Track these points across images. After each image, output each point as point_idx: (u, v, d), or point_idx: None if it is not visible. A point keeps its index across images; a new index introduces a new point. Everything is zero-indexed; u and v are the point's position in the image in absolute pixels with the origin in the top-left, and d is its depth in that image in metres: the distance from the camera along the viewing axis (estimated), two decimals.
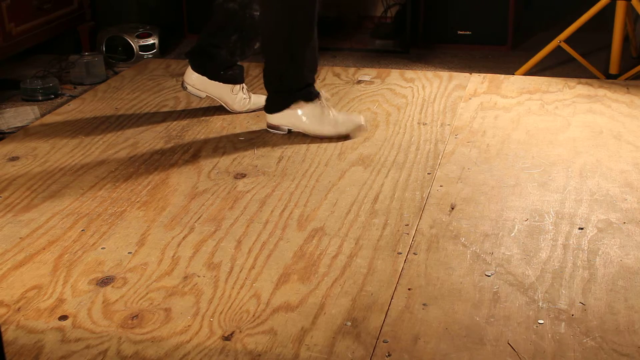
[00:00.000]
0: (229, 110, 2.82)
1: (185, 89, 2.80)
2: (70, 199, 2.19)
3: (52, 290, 1.76)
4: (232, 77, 2.77)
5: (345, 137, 2.59)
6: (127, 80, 3.26)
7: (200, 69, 2.75)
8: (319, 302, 1.70)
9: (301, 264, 1.85)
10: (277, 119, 2.61)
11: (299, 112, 2.58)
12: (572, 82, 3.15)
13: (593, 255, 1.87)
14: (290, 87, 2.57)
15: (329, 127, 2.58)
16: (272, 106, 2.62)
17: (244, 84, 2.82)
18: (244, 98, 2.82)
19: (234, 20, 2.67)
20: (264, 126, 2.69)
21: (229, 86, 2.78)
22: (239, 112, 2.82)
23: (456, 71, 3.43)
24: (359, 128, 2.62)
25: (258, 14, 2.63)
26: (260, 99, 2.81)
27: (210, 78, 2.76)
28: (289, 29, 2.50)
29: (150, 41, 3.73)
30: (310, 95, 2.57)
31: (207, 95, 2.79)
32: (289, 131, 2.62)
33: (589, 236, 1.96)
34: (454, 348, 1.55)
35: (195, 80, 2.77)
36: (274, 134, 2.64)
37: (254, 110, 2.83)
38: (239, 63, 2.78)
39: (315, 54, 2.57)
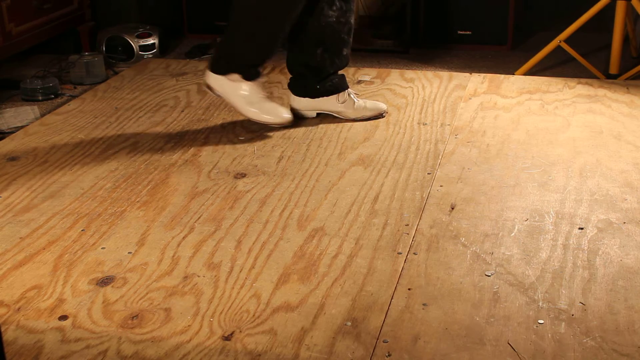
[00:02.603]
0: (345, 119, 2.76)
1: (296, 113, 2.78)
2: (70, 199, 2.19)
3: (52, 290, 1.76)
4: (332, 87, 2.72)
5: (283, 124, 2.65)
6: (127, 80, 3.26)
7: (300, 92, 2.74)
8: (319, 302, 1.70)
9: (301, 264, 1.85)
10: (214, 80, 2.63)
11: (235, 86, 2.60)
12: (572, 82, 3.15)
13: (593, 255, 1.87)
14: (235, 61, 2.60)
15: (253, 110, 2.61)
16: (214, 65, 2.64)
17: (349, 90, 2.76)
18: (357, 104, 2.74)
19: (311, 34, 2.63)
20: (264, 126, 2.70)
21: (333, 97, 2.73)
22: (357, 120, 2.74)
23: (456, 71, 3.43)
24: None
25: (334, 20, 2.61)
26: (377, 105, 2.78)
27: (312, 96, 2.73)
28: (262, 14, 2.52)
29: (150, 41, 3.73)
30: (249, 75, 2.60)
31: (316, 114, 2.77)
32: (219, 96, 2.65)
33: (589, 236, 1.96)
34: (454, 348, 1.55)
35: (301, 104, 2.75)
36: (273, 134, 2.64)
37: (370, 118, 2.75)
38: (339, 72, 2.74)
39: (275, 44, 2.59)
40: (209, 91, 2.67)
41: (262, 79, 2.64)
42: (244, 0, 2.55)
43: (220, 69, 2.61)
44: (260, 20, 2.54)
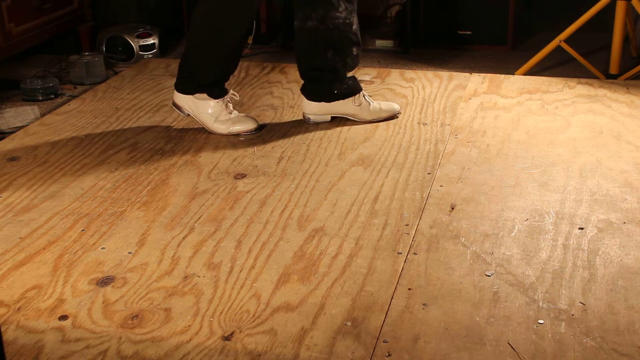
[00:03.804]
0: (360, 122, 2.73)
1: (308, 120, 2.74)
2: (70, 199, 2.19)
3: (52, 290, 1.76)
4: (347, 90, 2.70)
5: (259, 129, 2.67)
6: (127, 80, 3.26)
7: (315, 97, 2.71)
8: (319, 302, 1.70)
9: (301, 264, 1.85)
10: (181, 99, 2.66)
11: (203, 104, 2.62)
12: (572, 82, 3.15)
13: (593, 255, 1.87)
14: (198, 80, 2.62)
15: (222, 127, 2.63)
16: (180, 85, 2.66)
17: (363, 92, 2.74)
18: (372, 106, 2.73)
19: (320, 37, 2.61)
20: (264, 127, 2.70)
21: (349, 100, 2.70)
22: (372, 122, 2.73)
23: (456, 71, 3.43)
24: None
25: (341, 21, 2.58)
26: (391, 106, 2.77)
27: (328, 100, 2.70)
28: (214, 32, 2.54)
29: (150, 41, 3.73)
30: (214, 93, 2.62)
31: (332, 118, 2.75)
32: (188, 115, 2.67)
33: (589, 236, 1.96)
34: (454, 348, 1.55)
35: (315, 109, 2.72)
36: (273, 134, 2.65)
37: (386, 119, 2.74)
38: (348, 74, 2.72)
39: (234, 59, 2.63)
40: (177, 110, 2.69)
41: (228, 96, 2.65)
42: (197, 21, 2.57)
43: (186, 89, 2.64)
44: (214, 38, 2.55)
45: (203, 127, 2.68)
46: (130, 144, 2.59)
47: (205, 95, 2.62)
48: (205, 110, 2.63)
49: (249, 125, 2.65)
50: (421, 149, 2.51)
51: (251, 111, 2.87)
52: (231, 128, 2.63)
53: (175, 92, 2.67)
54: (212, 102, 2.62)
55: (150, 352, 1.55)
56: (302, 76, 2.73)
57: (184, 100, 2.65)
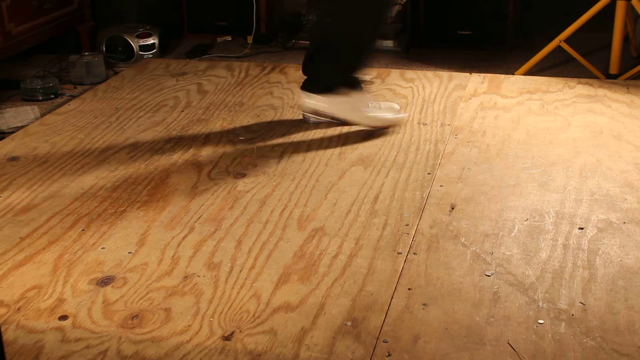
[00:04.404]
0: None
1: (308, 120, 2.73)
2: (70, 199, 2.19)
3: (52, 290, 1.76)
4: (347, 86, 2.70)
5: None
6: (127, 80, 3.26)
7: (315, 92, 2.68)
8: (319, 302, 1.70)
9: (301, 264, 1.85)
10: (317, 101, 2.62)
11: (345, 99, 2.60)
12: (572, 82, 3.15)
13: (593, 255, 1.87)
14: (345, 73, 2.60)
15: (371, 114, 2.60)
16: (316, 86, 2.62)
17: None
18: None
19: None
20: (264, 126, 2.70)
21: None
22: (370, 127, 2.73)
23: (456, 71, 3.43)
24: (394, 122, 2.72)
25: None
26: (391, 105, 2.77)
27: (328, 94, 2.69)
28: (352, 37, 2.54)
29: (150, 41, 3.73)
30: (354, 83, 2.61)
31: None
32: (319, 122, 2.66)
33: (589, 236, 1.96)
34: (454, 348, 1.55)
35: (316, 107, 2.69)
36: (273, 134, 2.64)
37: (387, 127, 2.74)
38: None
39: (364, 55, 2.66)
40: (311, 118, 2.66)
41: (364, 84, 2.64)
42: (330, 28, 2.55)
43: (328, 87, 2.60)
44: (351, 42, 2.54)
45: (203, 126, 2.68)
46: (130, 143, 2.59)
47: (346, 89, 2.59)
48: (350, 103, 2.59)
49: (397, 116, 2.66)
50: (421, 149, 2.51)
51: (251, 111, 2.87)
52: (380, 115, 2.61)
53: (309, 95, 2.61)
54: (356, 93, 2.60)
55: (150, 352, 1.55)
56: (304, 71, 2.73)
57: (321, 100, 2.60)
